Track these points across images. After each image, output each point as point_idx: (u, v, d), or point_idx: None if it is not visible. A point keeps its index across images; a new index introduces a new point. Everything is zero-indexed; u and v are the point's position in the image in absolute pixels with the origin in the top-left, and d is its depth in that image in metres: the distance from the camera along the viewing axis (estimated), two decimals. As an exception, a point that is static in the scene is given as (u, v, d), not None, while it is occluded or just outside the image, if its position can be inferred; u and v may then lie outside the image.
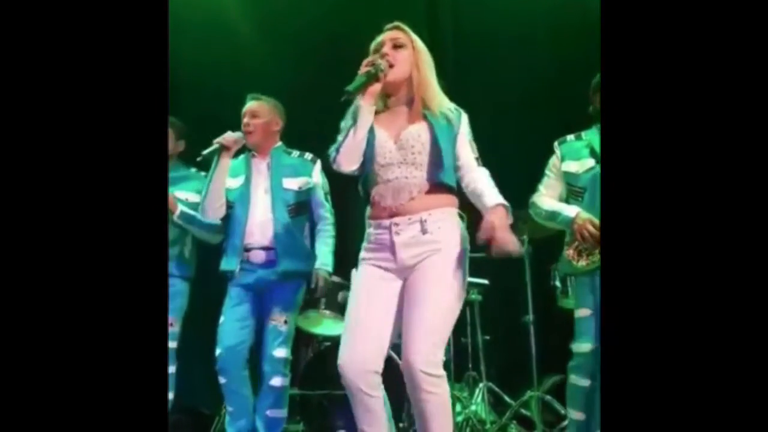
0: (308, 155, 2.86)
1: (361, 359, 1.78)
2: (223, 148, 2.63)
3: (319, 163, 2.84)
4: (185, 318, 2.97)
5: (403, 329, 1.78)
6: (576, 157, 2.43)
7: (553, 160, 2.50)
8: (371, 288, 1.86)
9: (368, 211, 1.94)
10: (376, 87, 1.85)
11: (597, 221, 2.24)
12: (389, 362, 1.87)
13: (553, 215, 2.38)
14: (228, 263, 2.71)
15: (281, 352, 2.67)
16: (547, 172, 2.51)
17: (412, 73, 1.92)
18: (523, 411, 3.23)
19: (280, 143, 2.87)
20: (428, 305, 1.76)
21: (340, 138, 1.87)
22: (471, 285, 3.55)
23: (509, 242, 1.70)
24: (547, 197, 2.46)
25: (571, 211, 2.31)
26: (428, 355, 1.71)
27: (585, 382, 2.28)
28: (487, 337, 3.55)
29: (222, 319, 2.69)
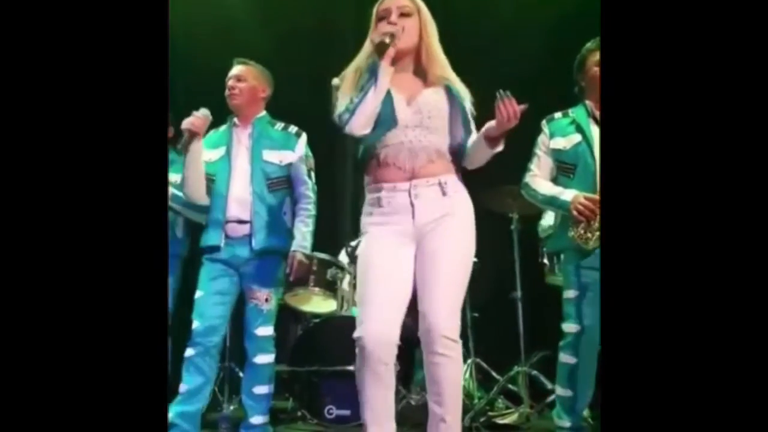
0: (293, 128, 2.75)
1: (386, 331, 1.74)
2: (192, 133, 2.50)
3: (304, 137, 2.74)
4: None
5: (422, 293, 1.78)
6: (563, 133, 2.44)
7: (542, 138, 2.49)
8: (389, 255, 1.80)
9: (373, 175, 1.88)
10: (392, 51, 1.81)
11: (589, 195, 2.27)
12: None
13: (552, 200, 2.39)
14: (211, 238, 2.62)
15: (263, 331, 2.61)
16: (536, 151, 2.50)
17: (420, 42, 1.91)
18: (511, 386, 3.26)
19: (264, 113, 2.76)
20: (448, 270, 1.78)
21: (356, 99, 1.80)
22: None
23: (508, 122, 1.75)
24: (541, 178, 2.46)
25: (568, 195, 2.32)
26: (450, 321, 1.75)
27: (572, 360, 2.33)
28: (476, 314, 3.57)
29: (199, 293, 2.60)
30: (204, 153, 2.64)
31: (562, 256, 2.49)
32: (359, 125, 1.80)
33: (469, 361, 3.40)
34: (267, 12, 4.17)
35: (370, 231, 1.86)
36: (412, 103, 1.87)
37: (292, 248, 2.62)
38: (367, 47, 1.92)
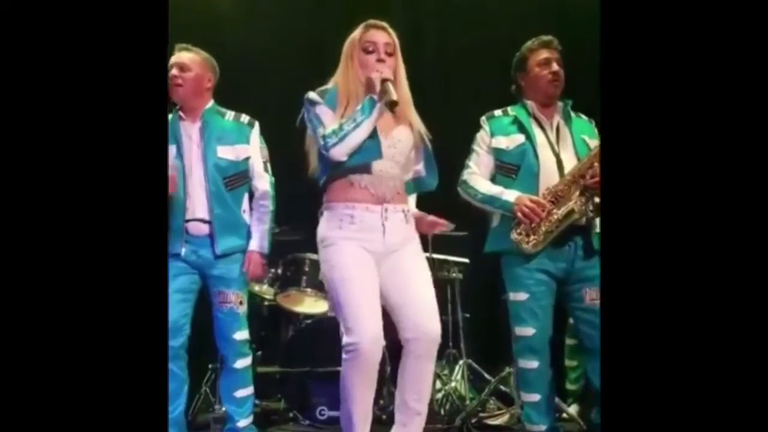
0: (245, 118, 2.58)
1: (378, 334, 1.85)
2: None
3: (257, 127, 2.58)
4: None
5: (407, 304, 1.93)
6: (505, 132, 2.37)
7: (482, 135, 2.43)
8: (365, 266, 1.94)
9: (342, 194, 1.97)
10: (394, 96, 1.91)
11: (534, 197, 2.22)
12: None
13: (491, 199, 2.31)
14: (173, 246, 2.45)
15: (242, 335, 2.53)
16: (475, 148, 2.43)
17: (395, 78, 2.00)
18: (502, 387, 3.27)
19: (212, 103, 2.57)
20: (427, 283, 1.98)
21: (346, 127, 1.89)
22: (452, 263, 3.57)
23: (433, 229, 2.22)
24: (480, 176, 2.39)
25: (510, 195, 2.26)
26: (439, 326, 1.92)
27: (533, 364, 2.27)
28: (467, 315, 3.58)
29: None
30: None
31: (503, 259, 2.38)
32: (342, 153, 1.91)
33: (461, 362, 3.41)
34: (259, 11, 4.16)
35: (340, 244, 1.95)
36: (388, 137, 1.99)
37: (249, 248, 2.51)
38: (352, 73, 1.99)
